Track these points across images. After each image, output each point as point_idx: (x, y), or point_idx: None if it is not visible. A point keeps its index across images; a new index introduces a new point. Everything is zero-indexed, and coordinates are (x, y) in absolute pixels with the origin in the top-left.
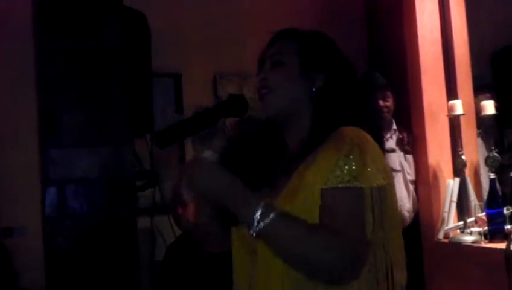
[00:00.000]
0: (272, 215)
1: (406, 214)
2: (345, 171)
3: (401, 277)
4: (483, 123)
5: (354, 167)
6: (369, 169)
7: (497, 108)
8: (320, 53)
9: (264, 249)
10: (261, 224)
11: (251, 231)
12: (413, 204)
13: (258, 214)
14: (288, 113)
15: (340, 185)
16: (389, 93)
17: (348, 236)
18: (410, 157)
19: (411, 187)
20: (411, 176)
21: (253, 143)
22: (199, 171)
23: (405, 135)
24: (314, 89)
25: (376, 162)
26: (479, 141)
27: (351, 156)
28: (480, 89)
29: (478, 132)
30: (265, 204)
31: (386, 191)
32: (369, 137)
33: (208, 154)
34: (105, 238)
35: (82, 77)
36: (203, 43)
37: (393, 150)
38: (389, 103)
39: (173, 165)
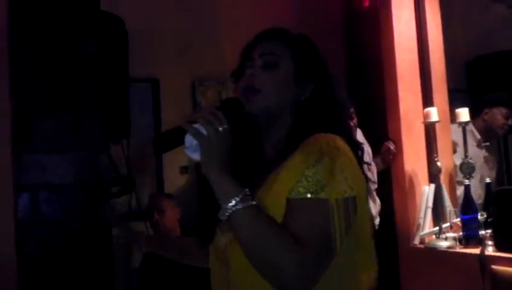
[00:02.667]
0: (250, 203)
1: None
2: (311, 182)
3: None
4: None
5: (320, 178)
6: (336, 180)
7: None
8: (314, 63)
9: (235, 262)
10: (238, 206)
11: (224, 210)
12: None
13: (238, 197)
14: (270, 116)
15: (305, 196)
16: (353, 111)
17: (308, 248)
18: (373, 166)
19: (376, 196)
20: (374, 185)
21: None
22: (216, 132)
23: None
24: (302, 99)
25: (345, 171)
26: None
27: (318, 166)
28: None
29: None
30: (248, 192)
31: (355, 202)
32: (341, 144)
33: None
34: (80, 245)
35: (57, 82)
36: (181, 48)
37: None
38: (355, 120)
39: (149, 171)
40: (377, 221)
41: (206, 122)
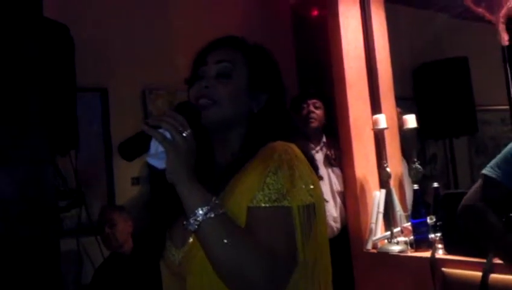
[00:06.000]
0: (220, 211)
1: (333, 224)
2: (273, 190)
3: None
4: (405, 136)
5: (281, 185)
6: (297, 187)
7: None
8: (268, 73)
9: (193, 277)
10: (209, 215)
11: (194, 220)
12: (341, 215)
13: (208, 206)
14: (224, 127)
15: (267, 205)
16: (318, 103)
17: (276, 255)
18: (337, 169)
19: (338, 198)
20: (338, 187)
21: None
22: (181, 140)
23: (332, 152)
24: (256, 110)
25: (304, 179)
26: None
27: (278, 174)
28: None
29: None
30: (216, 201)
31: (315, 209)
32: (298, 152)
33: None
34: (25, 262)
35: None
36: (130, 57)
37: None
38: (318, 111)
39: (100, 184)
40: (339, 227)
41: (172, 127)
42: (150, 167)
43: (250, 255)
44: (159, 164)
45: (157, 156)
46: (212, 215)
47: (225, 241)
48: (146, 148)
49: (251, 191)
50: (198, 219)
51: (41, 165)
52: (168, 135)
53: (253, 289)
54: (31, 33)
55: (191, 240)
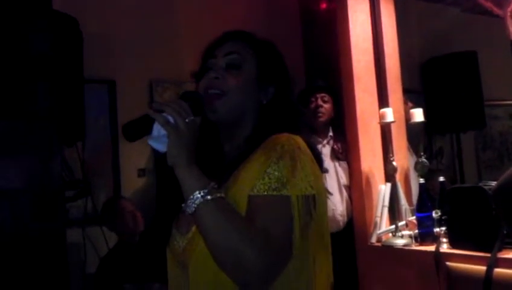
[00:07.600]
0: (218, 195)
1: (339, 218)
2: (273, 179)
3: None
4: (412, 130)
5: (282, 175)
6: (297, 177)
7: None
8: (275, 65)
9: (194, 262)
10: (207, 197)
11: (191, 202)
12: (347, 208)
13: (206, 189)
14: (233, 120)
15: (267, 193)
16: (327, 97)
17: (271, 240)
18: (344, 162)
19: (345, 192)
20: (344, 181)
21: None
22: (183, 125)
23: (339, 145)
24: (264, 102)
25: (306, 170)
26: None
27: (280, 164)
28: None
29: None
30: (215, 185)
31: (315, 200)
32: (302, 144)
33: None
34: (32, 252)
35: (6, 83)
36: (138, 49)
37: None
38: (327, 105)
39: (106, 175)
40: (345, 220)
41: (175, 112)
42: (154, 152)
43: (245, 239)
44: (161, 147)
45: (159, 139)
46: (209, 198)
47: (221, 224)
48: (148, 131)
49: (252, 181)
50: (195, 201)
51: (48, 155)
52: (171, 119)
53: (247, 272)
54: (40, 26)
55: (194, 227)
